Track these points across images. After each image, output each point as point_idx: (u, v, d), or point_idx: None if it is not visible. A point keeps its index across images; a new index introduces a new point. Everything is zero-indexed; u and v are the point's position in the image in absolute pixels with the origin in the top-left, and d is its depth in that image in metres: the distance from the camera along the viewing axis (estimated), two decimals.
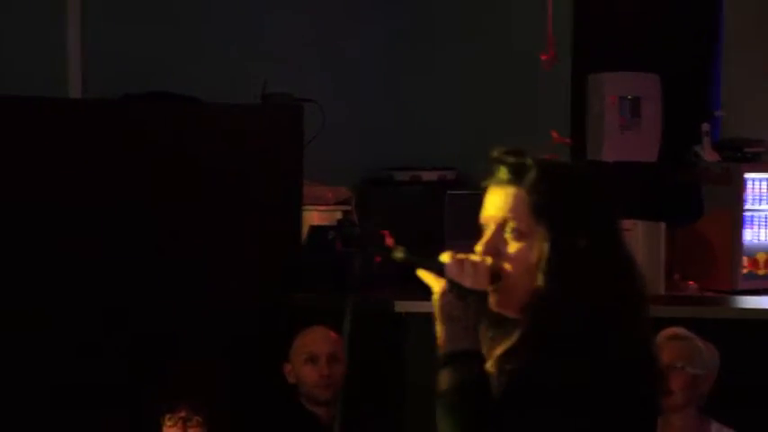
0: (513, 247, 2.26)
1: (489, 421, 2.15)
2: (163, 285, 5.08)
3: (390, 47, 6.56)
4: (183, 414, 4.31)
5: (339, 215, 5.88)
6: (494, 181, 2.32)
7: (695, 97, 6.51)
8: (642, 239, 5.55)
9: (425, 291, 2.30)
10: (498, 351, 2.30)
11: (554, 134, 5.60)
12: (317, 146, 5.60)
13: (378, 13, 6.59)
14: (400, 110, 6.53)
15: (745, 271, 5.90)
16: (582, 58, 6.36)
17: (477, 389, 2.17)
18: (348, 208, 5.98)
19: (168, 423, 4.32)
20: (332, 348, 4.44)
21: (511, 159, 2.30)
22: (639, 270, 2.32)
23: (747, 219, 5.91)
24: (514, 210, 2.27)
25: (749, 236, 5.92)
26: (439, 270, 2.25)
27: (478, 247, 2.29)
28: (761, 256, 5.93)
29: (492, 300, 2.27)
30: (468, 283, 2.23)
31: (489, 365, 2.26)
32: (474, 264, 2.24)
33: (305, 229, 5.48)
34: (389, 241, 5.04)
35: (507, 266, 2.26)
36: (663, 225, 5.69)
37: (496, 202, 2.30)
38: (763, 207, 5.92)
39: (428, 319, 2.29)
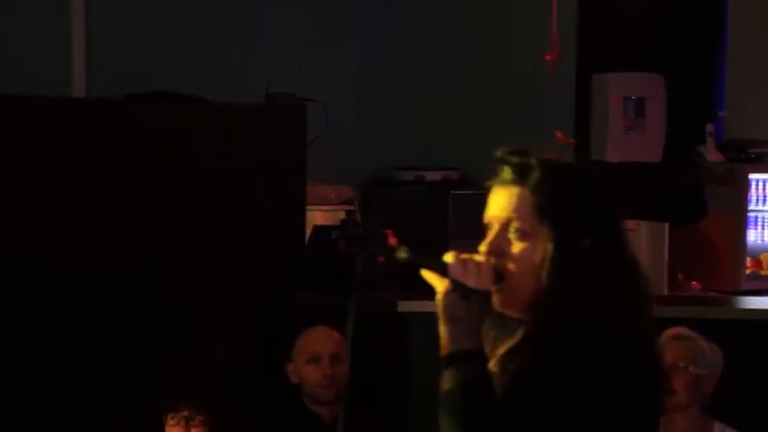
0: (516, 246, 2.26)
1: (492, 421, 2.15)
2: (165, 285, 5.08)
3: (394, 46, 6.55)
4: (185, 413, 4.31)
5: (342, 215, 5.88)
6: (498, 181, 2.32)
7: (699, 98, 6.51)
8: (646, 240, 5.55)
9: (429, 291, 2.30)
10: (501, 351, 2.30)
11: (558, 134, 5.59)
12: (321, 145, 5.60)
13: (381, 13, 6.59)
14: (404, 109, 6.53)
15: (748, 271, 5.90)
16: (586, 58, 6.36)
17: (480, 388, 2.17)
18: (351, 208, 5.98)
19: (171, 422, 4.32)
20: (335, 348, 4.44)
21: (515, 159, 2.30)
22: (643, 270, 2.32)
23: (751, 219, 5.91)
24: (518, 210, 2.27)
25: (753, 236, 5.92)
26: (442, 270, 2.25)
27: (482, 247, 2.29)
28: (764, 257, 5.92)
29: (495, 299, 2.27)
30: (471, 283, 2.23)
31: (492, 365, 2.25)
32: (477, 264, 2.24)
33: (308, 229, 5.48)
34: (392, 241, 5.04)
35: (511, 266, 2.26)
36: (666, 225, 5.68)
37: (500, 202, 2.30)
38: (766, 208, 5.92)
39: (431, 318, 2.29)
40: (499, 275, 2.26)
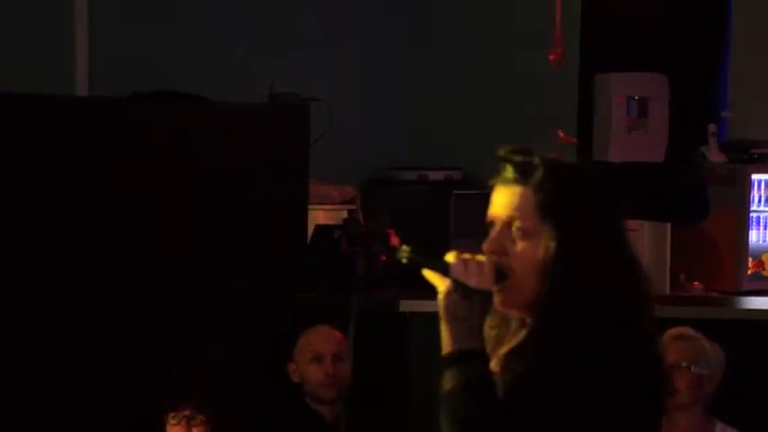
0: (519, 246, 2.26)
1: (494, 421, 2.15)
2: (166, 285, 5.08)
3: (398, 46, 6.55)
4: (186, 413, 4.31)
5: (344, 214, 5.88)
6: (500, 180, 2.32)
7: (702, 98, 6.51)
8: (648, 240, 5.55)
9: (430, 290, 2.30)
10: (503, 350, 2.30)
11: (560, 134, 5.59)
12: (324, 145, 5.60)
13: (383, 12, 6.59)
14: (407, 109, 6.53)
15: (750, 272, 5.90)
16: (589, 57, 6.36)
17: (481, 388, 2.17)
18: (353, 207, 5.98)
19: (172, 422, 4.32)
20: (336, 348, 4.44)
21: (518, 158, 2.30)
22: (645, 270, 2.32)
23: (753, 220, 5.91)
24: (521, 209, 2.27)
25: (755, 237, 5.92)
26: (444, 270, 2.25)
27: (484, 246, 2.29)
28: (766, 257, 5.92)
29: (497, 299, 2.27)
30: (472, 282, 2.23)
31: (494, 365, 2.26)
32: (479, 263, 2.24)
33: (310, 229, 5.48)
34: (394, 241, 5.04)
35: (513, 265, 2.26)
36: (668, 225, 5.68)
37: (503, 201, 2.30)
38: None
39: (433, 318, 2.29)
40: (501, 275, 2.26)
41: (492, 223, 2.31)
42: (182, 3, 6.17)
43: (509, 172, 2.30)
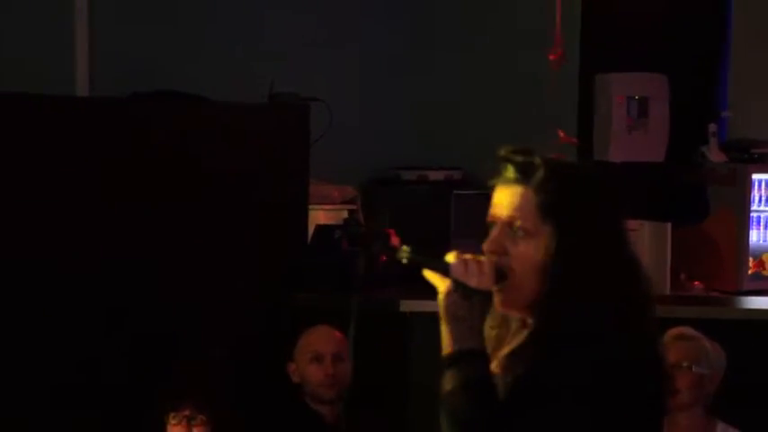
0: (519, 246, 2.26)
1: (494, 421, 2.15)
2: (166, 285, 5.08)
3: (398, 46, 6.55)
4: (187, 413, 4.31)
5: (345, 214, 5.88)
6: (501, 180, 2.32)
7: (702, 98, 6.51)
8: (648, 239, 5.54)
9: (430, 290, 2.29)
10: (504, 351, 2.30)
11: (561, 134, 5.59)
12: (324, 145, 5.60)
13: (384, 12, 6.59)
14: (407, 109, 6.53)
15: (750, 272, 5.90)
16: (589, 57, 6.36)
17: (481, 389, 2.17)
18: (354, 207, 5.98)
19: (172, 422, 4.32)
20: (337, 348, 4.44)
21: (519, 158, 2.30)
22: (645, 270, 2.32)
23: (753, 219, 5.91)
24: (522, 209, 2.27)
25: (755, 236, 5.92)
26: (444, 270, 2.25)
27: (485, 246, 2.29)
28: (767, 257, 5.92)
29: (497, 299, 2.27)
30: (473, 282, 2.23)
31: (494, 365, 2.25)
32: (479, 263, 2.24)
33: (311, 229, 5.48)
34: (395, 241, 5.04)
35: (513, 265, 2.26)
36: (669, 225, 5.68)
37: (504, 201, 2.29)
38: None
39: (433, 318, 2.29)
40: (501, 275, 2.26)
41: (492, 223, 2.31)
42: (182, 3, 6.17)
43: (510, 172, 2.30)
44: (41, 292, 4.94)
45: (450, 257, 2.26)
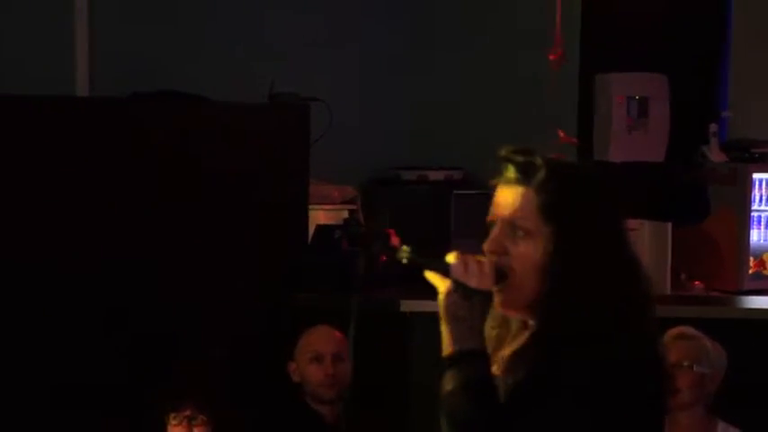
0: (520, 246, 2.26)
1: (495, 422, 2.14)
2: (166, 285, 5.08)
3: (398, 46, 6.55)
4: (187, 413, 4.30)
5: (345, 214, 5.88)
6: (502, 180, 2.31)
7: (702, 98, 6.50)
8: (649, 239, 5.54)
9: (431, 290, 2.29)
10: (505, 352, 2.30)
11: (561, 134, 5.59)
12: (324, 145, 5.60)
13: (384, 12, 6.59)
14: (407, 109, 6.53)
15: (751, 271, 5.90)
16: (589, 57, 6.35)
17: (482, 389, 2.17)
18: (354, 207, 5.98)
19: (173, 422, 4.32)
20: (337, 347, 4.44)
21: (519, 158, 2.30)
22: (645, 270, 2.32)
23: (754, 219, 5.91)
24: (522, 209, 2.27)
25: (756, 236, 5.91)
26: (444, 270, 2.25)
27: (486, 246, 2.29)
28: (767, 257, 5.92)
29: (498, 299, 2.27)
30: (473, 283, 2.22)
31: (495, 366, 2.25)
32: (479, 264, 2.24)
33: (311, 229, 5.48)
34: (395, 241, 5.04)
35: (514, 265, 2.26)
36: (669, 225, 5.68)
37: (504, 201, 2.29)
38: None
39: (433, 318, 2.28)
40: (502, 275, 2.25)
41: (493, 223, 2.31)
42: (182, 3, 6.17)
43: (511, 172, 2.30)
44: (42, 292, 4.95)
45: (451, 258, 2.25)
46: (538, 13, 6.03)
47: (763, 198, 5.91)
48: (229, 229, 5.24)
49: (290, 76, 5.77)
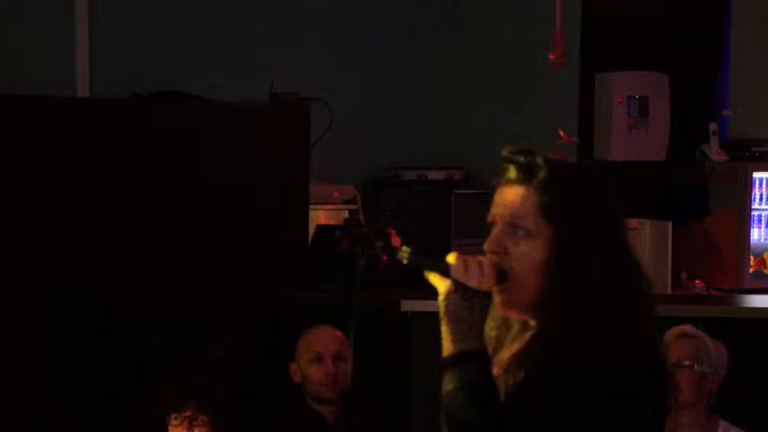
0: (520, 246, 2.26)
1: (495, 422, 2.14)
2: (167, 285, 5.08)
3: (398, 46, 6.55)
4: (188, 413, 4.30)
5: (345, 214, 5.88)
6: (503, 180, 2.31)
7: (703, 96, 6.51)
8: (649, 238, 5.55)
9: (432, 290, 2.29)
10: (506, 353, 2.29)
11: (561, 133, 5.59)
12: (324, 145, 5.60)
13: (385, 13, 6.59)
14: (407, 109, 6.53)
15: (751, 270, 5.90)
16: (589, 57, 6.35)
17: (482, 390, 2.17)
18: (354, 207, 5.98)
19: (174, 422, 4.31)
20: (337, 347, 4.44)
21: (521, 159, 2.30)
22: (645, 270, 2.32)
23: (755, 218, 5.91)
24: (523, 209, 2.26)
25: (756, 235, 5.92)
26: (444, 271, 2.24)
27: (486, 246, 2.28)
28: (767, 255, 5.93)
29: (498, 300, 2.27)
30: (473, 283, 2.22)
31: (495, 367, 2.25)
32: (479, 264, 2.23)
33: (311, 229, 5.48)
34: (395, 241, 5.05)
35: (514, 265, 2.26)
36: (670, 224, 5.68)
37: (505, 201, 2.29)
38: None
39: (434, 318, 2.28)
40: (502, 276, 2.25)
41: (494, 223, 2.30)
42: (181, 3, 6.16)
43: (512, 172, 2.30)
44: (43, 292, 4.94)
45: (451, 258, 2.25)
46: (538, 12, 6.03)
47: (764, 197, 5.91)
48: (230, 230, 5.24)
49: (290, 76, 5.77)
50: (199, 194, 5.19)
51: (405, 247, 2.29)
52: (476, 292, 2.22)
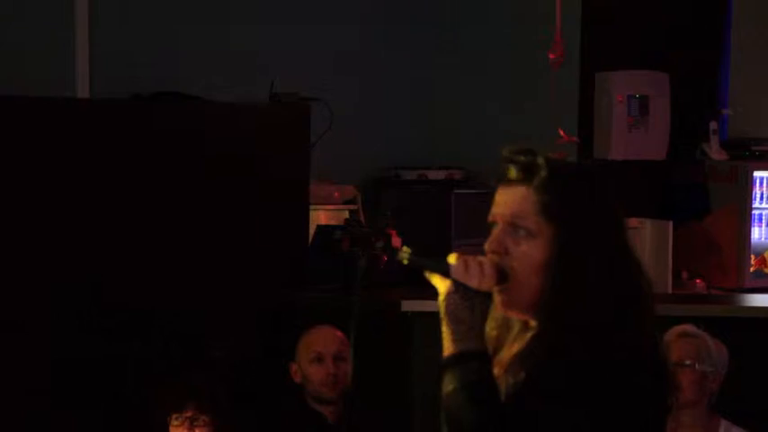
0: (521, 245, 2.26)
1: (496, 422, 2.14)
2: (168, 285, 5.08)
3: (398, 46, 6.55)
4: (189, 414, 4.30)
5: (346, 214, 5.88)
6: (504, 180, 2.31)
7: (703, 96, 6.51)
8: (650, 238, 5.55)
9: (432, 290, 2.29)
10: (507, 353, 2.29)
11: (562, 133, 5.59)
12: (324, 145, 5.60)
13: (385, 13, 6.58)
14: (407, 109, 6.53)
15: (752, 269, 5.90)
16: (589, 56, 6.35)
17: (483, 390, 2.16)
18: (355, 207, 5.98)
19: (175, 423, 4.31)
20: (338, 347, 4.44)
21: (521, 158, 2.30)
22: (645, 270, 2.32)
23: (755, 217, 5.91)
24: (524, 209, 2.26)
25: (757, 234, 5.92)
26: (444, 271, 2.24)
27: (487, 245, 2.28)
28: None
29: (498, 300, 2.26)
30: (473, 283, 2.22)
31: (497, 370, 2.25)
32: (480, 264, 2.23)
33: (312, 229, 5.48)
34: (396, 241, 5.04)
35: (515, 265, 2.25)
36: (670, 223, 5.68)
37: (506, 201, 2.29)
38: None
39: (435, 318, 2.28)
40: (503, 275, 2.25)
41: (494, 223, 2.30)
42: (181, 3, 6.16)
43: (512, 172, 2.30)
44: (44, 292, 4.95)
45: (451, 258, 2.25)
46: (538, 12, 6.03)
47: (764, 196, 5.91)
48: (230, 230, 5.24)
49: (290, 76, 5.77)
50: (199, 195, 5.19)
51: (405, 248, 2.28)
52: (476, 292, 2.22)
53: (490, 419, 2.13)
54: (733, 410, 4.22)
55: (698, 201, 6.09)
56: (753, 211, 5.89)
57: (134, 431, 4.71)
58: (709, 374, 4.13)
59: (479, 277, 2.22)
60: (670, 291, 5.62)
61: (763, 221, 5.91)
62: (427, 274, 2.28)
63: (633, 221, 5.30)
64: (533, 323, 2.29)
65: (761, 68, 6.46)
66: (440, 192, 6.02)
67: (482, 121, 6.37)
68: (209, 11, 6.18)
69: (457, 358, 2.18)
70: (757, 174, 5.89)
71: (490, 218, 2.31)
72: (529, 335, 2.29)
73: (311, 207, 5.55)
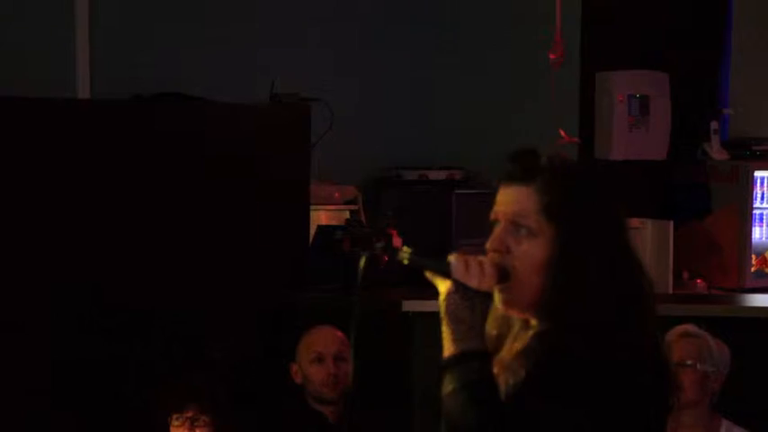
0: (523, 245, 2.26)
1: (497, 422, 2.14)
2: (169, 285, 5.08)
3: (398, 46, 6.55)
4: (190, 414, 4.30)
5: (346, 215, 5.88)
6: (506, 179, 2.31)
7: (703, 95, 6.50)
8: (651, 238, 5.54)
9: (433, 290, 2.29)
10: (507, 353, 2.29)
11: (562, 133, 5.59)
12: (325, 145, 5.60)
13: (385, 13, 6.58)
14: (408, 109, 6.53)
15: (753, 269, 5.90)
16: (590, 56, 6.35)
17: (483, 390, 2.16)
18: (355, 207, 5.98)
19: (176, 423, 4.32)
20: (338, 348, 4.44)
21: (522, 158, 2.30)
22: (646, 270, 2.32)
23: (756, 216, 5.91)
24: (526, 208, 2.26)
25: (757, 234, 5.92)
26: (445, 271, 2.24)
27: (488, 244, 2.28)
28: None
29: (500, 299, 2.26)
30: (474, 283, 2.22)
31: (497, 370, 2.24)
32: (480, 264, 2.23)
33: (312, 229, 5.48)
34: (396, 241, 5.05)
35: (516, 264, 2.25)
36: (671, 223, 5.68)
37: (508, 200, 2.29)
38: None
39: (436, 318, 2.28)
40: (504, 275, 2.25)
41: (496, 222, 2.30)
42: (181, 4, 6.16)
43: (514, 171, 2.30)
44: (43, 292, 4.95)
45: (452, 258, 2.25)
46: (538, 12, 6.02)
47: (765, 195, 5.91)
48: (231, 230, 5.23)
49: (291, 76, 5.77)
50: (199, 195, 5.19)
51: (405, 248, 2.28)
52: (476, 291, 2.22)
53: (491, 419, 2.13)
54: (734, 410, 4.22)
55: (699, 201, 6.09)
56: (754, 211, 5.89)
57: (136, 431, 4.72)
58: (710, 374, 4.13)
59: (480, 277, 2.22)
60: (671, 291, 5.62)
61: (764, 221, 5.91)
62: (428, 274, 2.27)
63: (634, 221, 5.30)
64: (534, 322, 2.29)
65: (761, 68, 6.46)
66: (440, 192, 6.02)
67: (482, 121, 6.36)
68: (209, 11, 6.18)
69: (457, 358, 2.18)
70: (758, 174, 5.89)
71: (492, 216, 2.31)
72: (529, 334, 2.29)
73: (312, 207, 5.55)
